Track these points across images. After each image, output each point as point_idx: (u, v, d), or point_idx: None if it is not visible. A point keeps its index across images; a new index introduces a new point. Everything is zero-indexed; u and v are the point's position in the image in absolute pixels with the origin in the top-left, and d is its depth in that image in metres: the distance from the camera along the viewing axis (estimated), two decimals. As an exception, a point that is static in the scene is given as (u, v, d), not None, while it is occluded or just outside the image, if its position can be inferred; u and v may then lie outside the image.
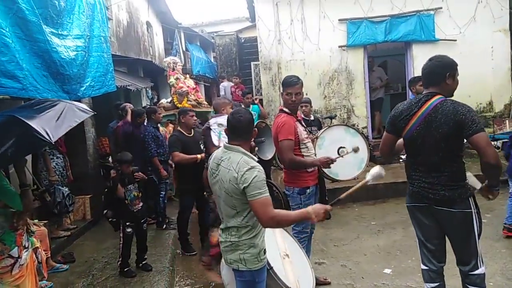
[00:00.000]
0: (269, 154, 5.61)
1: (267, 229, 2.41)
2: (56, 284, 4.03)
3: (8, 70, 3.06)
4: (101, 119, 6.95)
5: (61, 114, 2.81)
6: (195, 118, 4.79)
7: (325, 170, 3.43)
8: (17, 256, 2.61)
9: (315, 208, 2.25)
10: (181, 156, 4.45)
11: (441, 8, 7.86)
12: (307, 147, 3.37)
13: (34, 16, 3.37)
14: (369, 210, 5.83)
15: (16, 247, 2.62)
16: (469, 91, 7.65)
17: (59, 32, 3.87)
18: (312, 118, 5.84)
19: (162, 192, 5.82)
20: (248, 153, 2.28)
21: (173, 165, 5.50)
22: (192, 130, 4.76)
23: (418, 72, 7.60)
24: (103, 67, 4.88)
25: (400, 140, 2.74)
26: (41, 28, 3.45)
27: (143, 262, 4.36)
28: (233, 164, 2.20)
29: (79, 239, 5.49)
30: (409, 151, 2.69)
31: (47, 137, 2.42)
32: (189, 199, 4.70)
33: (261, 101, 8.27)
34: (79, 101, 5.73)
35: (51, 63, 3.48)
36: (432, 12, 7.86)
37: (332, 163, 3.23)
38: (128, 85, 7.78)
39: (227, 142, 2.36)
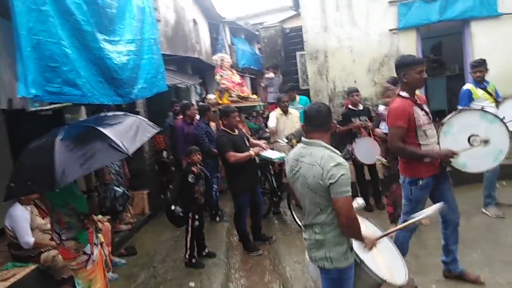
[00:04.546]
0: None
1: None
2: (121, 276, 4.32)
3: (69, 78, 3.28)
4: (154, 116, 7.25)
5: (135, 128, 2.90)
6: (237, 118, 4.75)
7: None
8: (90, 252, 2.83)
9: (369, 238, 2.29)
10: (237, 156, 4.44)
11: (504, -22, 7.17)
12: (425, 135, 3.04)
13: (88, 26, 3.57)
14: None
15: (89, 245, 2.83)
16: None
17: (111, 39, 4.06)
18: (361, 107, 5.65)
19: (214, 186, 5.98)
20: (331, 147, 2.21)
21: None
22: (235, 129, 4.73)
23: (478, 52, 7.04)
24: (154, 68, 5.06)
25: None
26: (95, 36, 3.65)
27: (206, 251, 4.64)
28: (317, 160, 2.13)
29: (139, 232, 5.81)
30: None
31: (124, 149, 2.50)
32: (245, 198, 4.64)
33: (307, 91, 8.15)
34: (134, 102, 6.05)
35: (105, 69, 3.67)
36: (493, -16, 7.20)
37: (453, 157, 2.94)
38: (179, 83, 8.04)
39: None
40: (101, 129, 2.62)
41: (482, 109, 3.33)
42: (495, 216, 4.64)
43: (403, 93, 3.12)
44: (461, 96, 4.80)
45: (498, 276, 3.35)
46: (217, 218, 5.96)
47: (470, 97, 4.71)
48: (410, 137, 3.03)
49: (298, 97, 6.75)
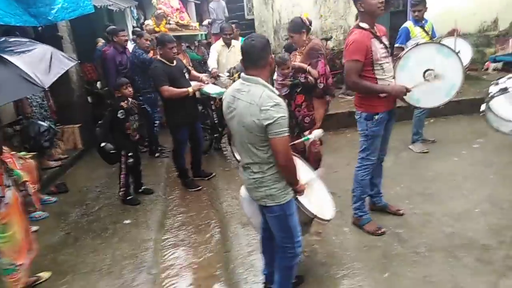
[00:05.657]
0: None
1: None
2: (51, 214, 4.13)
3: (-37, -7, 2.74)
4: (82, 43, 6.57)
5: (48, 59, 2.55)
6: (174, 50, 4.31)
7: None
8: (0, 195, 2.58)
9: (301, 184, 2.32)
10: (171, 91, 4.15)
11: None
12: (382, 69, 2.97)
13: None
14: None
15: None
16: (474, 9, 7.20)
17: None
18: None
19: (156, 121, 5.73)
20: (269, 86, 2.14)
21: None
22: (173, 60, 4.36)
23: (422, -12, 7.03)
24: (76, -15, 4.41)
25: None
26: None
27: (143, 187, 4.54)
28: (255, 98, 2.06)
29: (71, 168, 5.52)
30: None
31: (39, 82, 2.21)
32: (183, 133, 4.48)
33: (252, 22, 7.77)
34: (55, 24, 5.34)
35: (11, -16, 3.11)
36: None
37: (407, 92, 2.92)
38: (110, 5, 7.21)
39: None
40: (7, 57, 2.25)
41: (439, 43, 3.29)
42: (419, 151, 4.99)
43: (363, 24, 2.97)
44: (399, 33, 4.83)
45: (416, 208, 3.67)
46: (156, 154, 5.80)
47: (407, 35, 4.74)
48: (367, 71, 2.97)
49: (240, 39, 6.25)
